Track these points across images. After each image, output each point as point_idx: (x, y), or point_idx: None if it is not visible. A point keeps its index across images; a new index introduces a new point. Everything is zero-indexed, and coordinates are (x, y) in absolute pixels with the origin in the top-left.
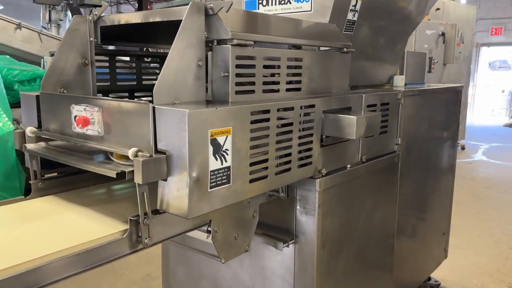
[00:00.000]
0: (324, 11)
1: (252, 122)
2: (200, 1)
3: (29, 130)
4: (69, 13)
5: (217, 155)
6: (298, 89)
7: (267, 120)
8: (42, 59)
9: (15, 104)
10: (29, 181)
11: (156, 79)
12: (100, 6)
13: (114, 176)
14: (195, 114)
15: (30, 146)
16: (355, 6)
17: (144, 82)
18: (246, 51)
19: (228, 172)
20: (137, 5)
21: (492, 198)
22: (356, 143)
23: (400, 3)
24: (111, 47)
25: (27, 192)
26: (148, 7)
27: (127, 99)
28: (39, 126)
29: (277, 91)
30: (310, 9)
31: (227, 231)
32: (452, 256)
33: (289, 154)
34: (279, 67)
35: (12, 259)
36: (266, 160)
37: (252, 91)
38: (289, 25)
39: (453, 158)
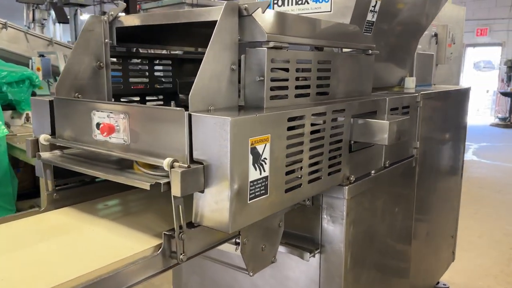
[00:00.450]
0: (345, 12)
1: (288, 129)
2: (233, 1)
3: (43, 138)
4: (52, 12)
5: (256, 165)
6: (326, 93)
7: (302, 126)
8: (30, 60)
9: (3, 106)
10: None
11: (169, 82)
12: (85, 5)
13: (148, 188)
14: (237, 122)
15: (45, 155)
16: (374, 6)
17: (157, 86)
18: (281, 54)
19: (266, 182)
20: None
21: (487, 198)
22: (381, 148)
23: (414, 3)
24: (121, 49)
25: (19, 198)
26: (138, 7)
27: (157, 105)
28: (53, 134)
29: (308, 95)
30: (330, 10)
31: (255, 243)
32: (456, 258)
33: (320, 161)
34: (306, 70)
35: (50, 280)
36: (300, 168)
37: (285, 96)
38: (318, 26)
39: (461, 159)
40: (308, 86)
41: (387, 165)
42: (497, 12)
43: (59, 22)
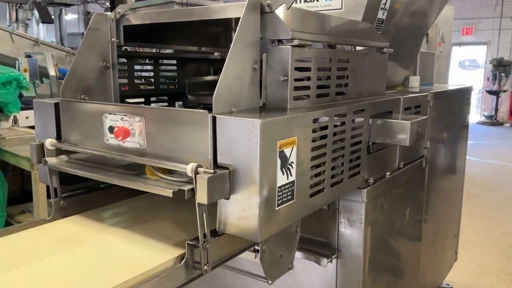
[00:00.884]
0: (357, 10)
1: (313, 131)
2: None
3: (49, 143)
4: (36, 12)
5: (283, 169)
6: (343, 93)
7: (326, 127)
8: (17, 61)
9: None
10: (50, 199)
11: (174, 83)
12: (69, 5)
13: (171, 195)
14: (267, 125)
15: (51, 160)
16: (385, 4)
17: (161, 87)
18: (304, 52)
19: (293, 187)
20: (108, 4)
21: (480, 197)
22: (395, 148)
23: (420, 1)
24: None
25: (8, 203)
26: None
27: (178, 107)
28: (58, 138)
29: (328, 95)
30: (340, 7)
31: (273, 249)
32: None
33: (341, 164)
34: (325, 69)
35: None
36: (323, 172)
37: (307, 96)
38: (338, 24)
39: (463, 158)
40: (328, 86)
41: (401, 166)
42: (482, 11)
43: (43, 22)
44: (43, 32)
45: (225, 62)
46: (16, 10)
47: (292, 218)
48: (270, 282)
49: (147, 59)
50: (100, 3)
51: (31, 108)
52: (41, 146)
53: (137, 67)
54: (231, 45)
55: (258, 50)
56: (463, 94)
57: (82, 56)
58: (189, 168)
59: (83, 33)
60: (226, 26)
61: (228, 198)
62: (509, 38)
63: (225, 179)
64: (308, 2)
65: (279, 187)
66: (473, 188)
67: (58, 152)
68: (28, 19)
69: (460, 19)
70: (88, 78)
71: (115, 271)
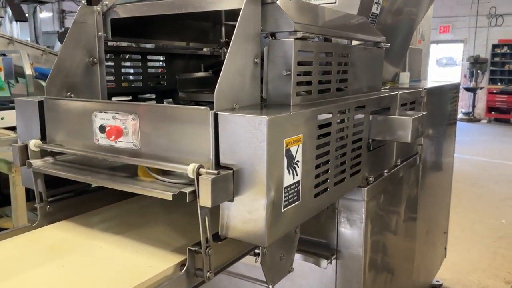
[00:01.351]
0: (352, 4)
1: (318, 128)
2: None
3: (34, 144)
4: (9, 9)
5: (290, 168)
6: (343, 89)
7: (329, 124)
8: None
9: None
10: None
11: (162, 80)
12: (44, 2)
13: (170, 199)
14: (274, 122)
15: (36, 162)
16: None
17: (149, 84)
18: (307, 45)
19: (298, 188)
20: (84, 1)
21: (463, 192)
22: (393, 145)
23: None
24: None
25: None
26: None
27: (177, 104)
28: (42, 138)
29: (329, 91)
30: (334, 1)
31: (274, 252)
32: None
33: (344, 162)
34: (327, 64)
35: None
36: (327, 171)
37: (309, 92)
38: (338, 17)
39: (452, 155)
40: (329, 81)
41: (398, 163)
42: (459, 9)
43: (17, 21)
44: (16, 30)
45: (226, 56)
46: None
47: (298, 220)
48: (270, 286)
49: (134, 55)
50: (75, 1)
51: (7, 109)
52: (25, 147)
53: (123, 63)
54: (232, 39)
55: (259, 43)
56: (452, 91)
57: (67, 51)
58: (190, 169)
59: (58, 31)
60: (216, 21)
61: (231, 200)
62: (484, 36)
63: (228, 180)
64: None
65: (285, 187)
66: (456, 184)
67: (43, 153)
68: (1, 17)
69: (437, 17)
70: (74, 75)
71: (113, 281)
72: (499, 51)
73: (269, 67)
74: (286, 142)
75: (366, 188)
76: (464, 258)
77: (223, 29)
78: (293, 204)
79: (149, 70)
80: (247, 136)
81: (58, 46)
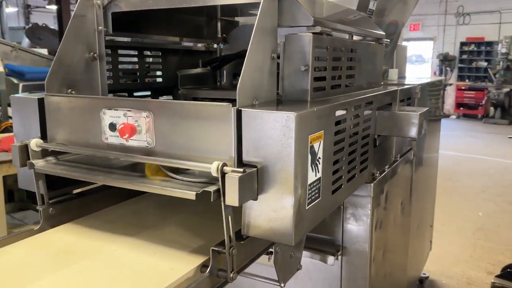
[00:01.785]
0: (350, 0)
1: (336, 124)
2: None
3: (35, 143)
4: None
5: (313, 165)
6: (350, 85)
7: (345, 120)
8: None
9: None
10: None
11: (159, 76)
12: None
13: (194, 198)
14: (302, 118)
15: (38, 163)
16: None
17: (146, 80)
18: (324, 41)
19: (319, 185)
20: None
21: (440, 186)
22: (392, 141)
23: None
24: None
25: None
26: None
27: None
28: (43, 137)
29: (339, 87)
30: None
31: (285, 250)
32: None
33: (354, 159)
34: (337, 59)
35: None
36: (342, 167)
37: (323, 88)
38: (346, 13)
39: (437, 150)
40: (340, 77)
41: (398, 158)
42: (429, 8)
43: None
44: None
45: (248, 52)
46: None
47: (319, 217)
48: (282, 284)
49: (131, 50)
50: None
51: None
52: (25, 147)
53: (120, 58)
54: (252, 33)
55: (276, 38)
56: (438, 86)
57: (67, 47)
58: (213, 168)
59: (24, 27)
60: (211, 16)
61: (255, 199)
62: (453, 34)
63: (253, 178)
64: None
65: (309, 184)
66: None
67: (43, 153)
68: None
69: None
70: (75, 71)
71: (137, 285)
72: (467, 49)
73: (285, 62)
74: (310, 139)
75: (372, 184)
76: (446, 251)
77: (218, 24)
78: (315, 202)
79: (146, 66)
80: (273, 133)
81: (26, 42)
